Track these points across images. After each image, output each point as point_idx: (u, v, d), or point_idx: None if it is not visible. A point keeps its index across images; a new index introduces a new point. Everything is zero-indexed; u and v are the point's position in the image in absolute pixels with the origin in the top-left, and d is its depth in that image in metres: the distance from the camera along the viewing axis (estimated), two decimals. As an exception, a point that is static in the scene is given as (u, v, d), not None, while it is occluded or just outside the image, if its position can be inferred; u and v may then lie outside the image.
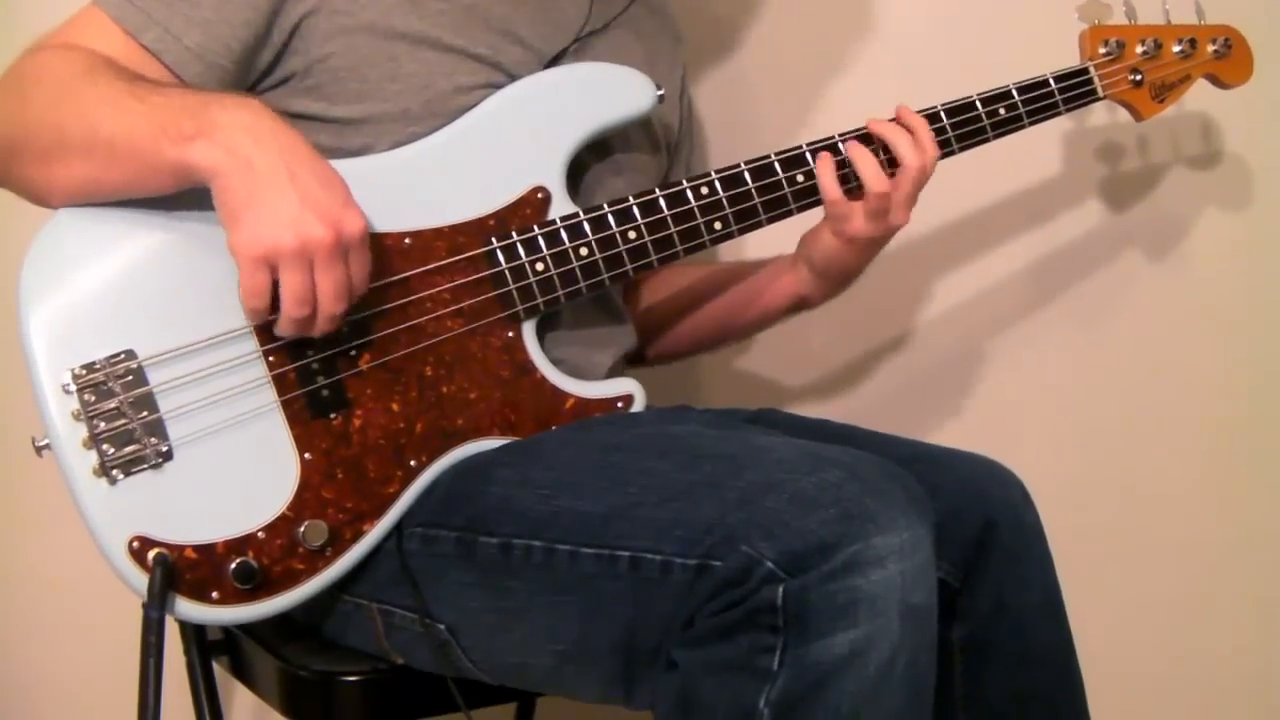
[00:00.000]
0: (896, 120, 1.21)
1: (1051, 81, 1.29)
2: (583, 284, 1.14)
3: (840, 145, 1.20)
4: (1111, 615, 1.61)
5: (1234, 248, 1.66)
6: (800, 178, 1.20)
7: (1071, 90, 1.30)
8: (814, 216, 1.24)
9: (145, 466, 1.00)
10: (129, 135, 0.99)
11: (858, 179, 1.19)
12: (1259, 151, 1.65)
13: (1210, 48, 1.38)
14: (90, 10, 1.08)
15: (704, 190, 1.17)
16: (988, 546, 1.11)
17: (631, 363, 1.33)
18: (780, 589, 0.90)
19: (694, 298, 1.36)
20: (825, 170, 1.19)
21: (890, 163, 1.20)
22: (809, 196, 1.21)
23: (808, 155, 1.20)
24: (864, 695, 0.90)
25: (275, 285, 0.99)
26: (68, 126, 1.01)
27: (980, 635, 1.12)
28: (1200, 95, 1.42)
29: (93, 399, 1.00)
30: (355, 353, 1.07)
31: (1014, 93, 1.27)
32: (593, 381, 1.16)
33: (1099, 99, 1.33)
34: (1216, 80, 1.41)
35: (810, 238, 1.26)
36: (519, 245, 1.12)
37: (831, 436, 1.13)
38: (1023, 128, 1.28)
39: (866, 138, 1.21)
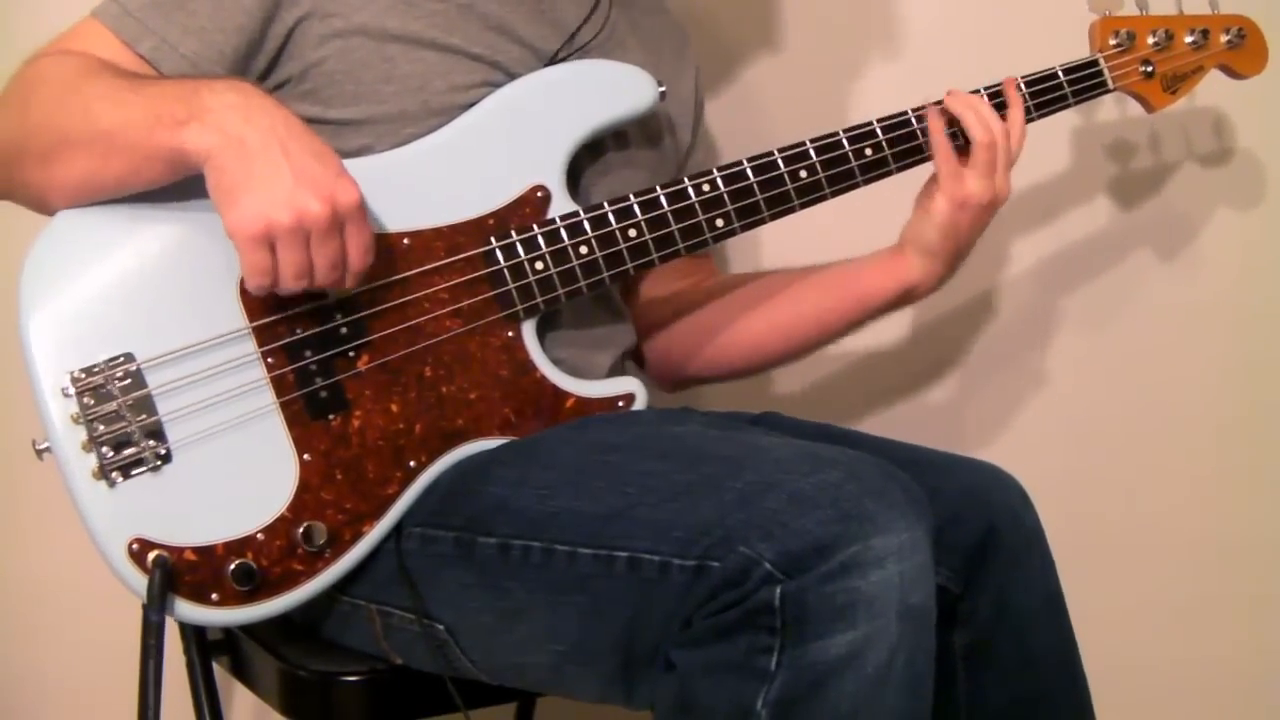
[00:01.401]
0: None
1: (1060, 74, 1.28)
2: (583, 283, 1.13)
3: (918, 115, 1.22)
4: (1113, 617, 1.60)
5: (1245, 247, 1.64)
6: (803, 173, 1.19)
7: (1081, 82, 1.29)
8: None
9: (144, 469, 1.01)
10: (126, 126, 1.00)
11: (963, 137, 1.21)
12: (1273, 147, 1.63)
13: (1223, 38, 1.36)
14: (88, 21, 1.09)
15: (705, 187, 1.16)
16: (988, 551, 1.11)
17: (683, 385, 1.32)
18: (778, 590, 0.90)
19: (776, 299, 1.29)
20: (938, 128, 1.20)
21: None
22: (813, 192, 1.20)
23: (810, 150, 1.19)
24: (862, 696, 0.90)
25: None
26: (68, 124, 1.02)
27: (982, 639, 1.12)
28: (1213, 90, 1.40)
29: (92, 402, 1.00)
30: (354, 354, 1.07)
31: (1022, 86, 1.26)
32: (593, 380, 1.16)
33: (1109, 91, 1.32)
34: (1230, 71, 1.39)
35: (920, 220, 1.23)
36: (518, 244, 1.12)
37: (833, 440, 1.11)
38: (1031, 121, 1.26)
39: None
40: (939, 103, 1.23)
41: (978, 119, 1.20)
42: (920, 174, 1.25)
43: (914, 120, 1.23)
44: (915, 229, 1.24)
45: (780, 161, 1.18)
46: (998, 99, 1.24)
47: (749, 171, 1.18)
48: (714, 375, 1.34)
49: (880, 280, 1.25)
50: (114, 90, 1.02)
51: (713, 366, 1.32)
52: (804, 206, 1.20)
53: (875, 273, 1.25)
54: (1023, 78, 1.26)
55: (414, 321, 1.08)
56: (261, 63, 1.11)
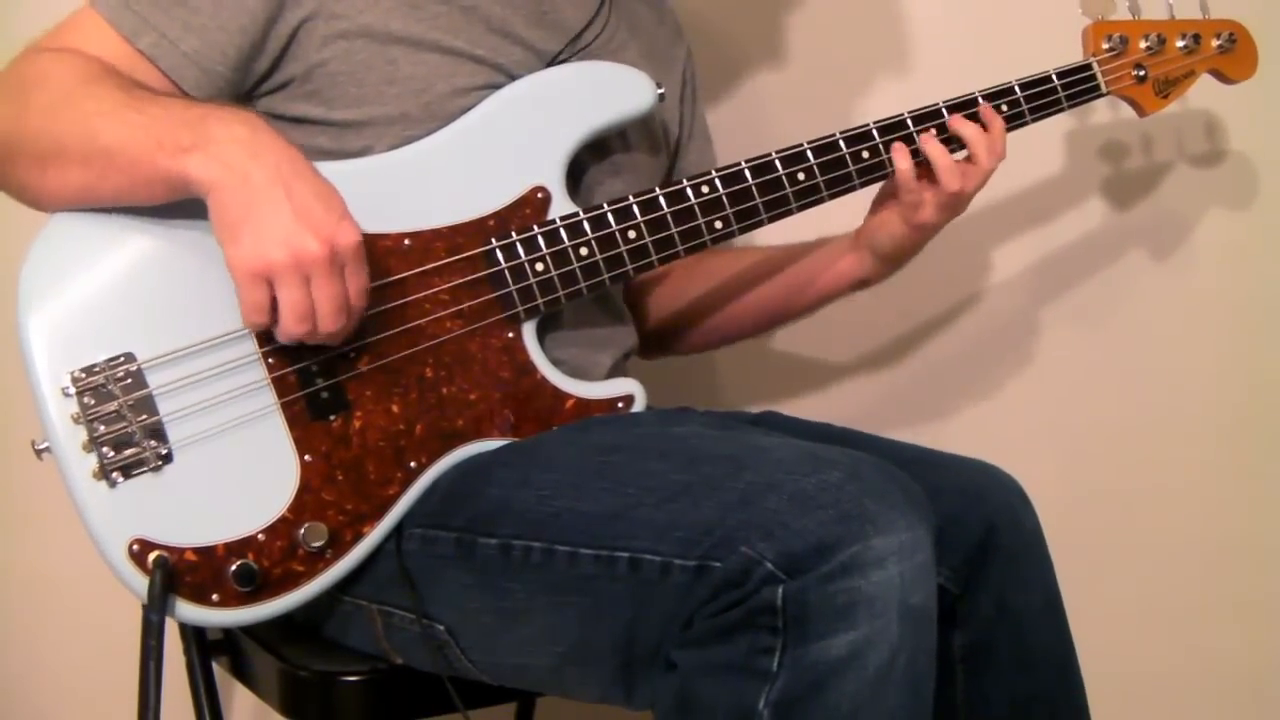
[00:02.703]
0: (977, 118, 1.23)
1: (1054, 78, 1.29)
2: (583, 284, 1.13)
3: (915, 135, 1.22)
4: (1111, 617, 1.61)
5: (1238, 247, 1.65)
6: (801, 175, 1.19)
7: (1074, 86, 1.30)
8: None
9: (145, 469, 1.00)
10: (126, 146, 0.99)
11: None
12: (1264, 149, 1.64)
13: (1215, 43, 1.37)
14: (86, 12, 1.08)
15: (704, 189, 1.17)
16: (988, 550, 1.11)
17: (657, 353, 1.34)
18: (779, 590, 0.90)
19: (745, 283, 1.36)
20: (903, 158, 1.20)
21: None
22: (810, 195, 1.20)
23: (808, 152, 1.20)
24: (863, 696, 0.90)
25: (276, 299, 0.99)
26: (66, 135, 1.01)
27: (981, 639, 1.12)
28: (1205, 92, 1.41)
29: (92, 402, 1.00)
30: (355, 354, 1.06)
31: (1016, 89, 1.27)
32: (593, 382, 1.16)
33: (1102, 95, 1.32)
34: (1221, 75, 1.40)
35: (876, 227, 1.26)
36: (518, 245, 1.12)
37: (832, 440, 1.12)
38: (1025, 124, 1.28)
39: (939, 126, 1.22)
40: (922, 117, 1.23)
41: (948, 168, 1.20)
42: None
43: (910, 123, 1.23)
44: (870, 236, 1.27)
45: (778, 163, 1.19)
46: (939, 120, 1.23)
47: (747, 173, 1.18)
48: (682, 353, 1.43)
49: (837, 279, 1.31)
50: (115, 106, 1.01)
51: (685, 346, 1.42)
52: (801, 209, 1.20)
53: (833, 271, 1.31)
54: (1017, 81, 1.27)
55: (415, 322, 1.08)
56: (264, 63, 1.11)
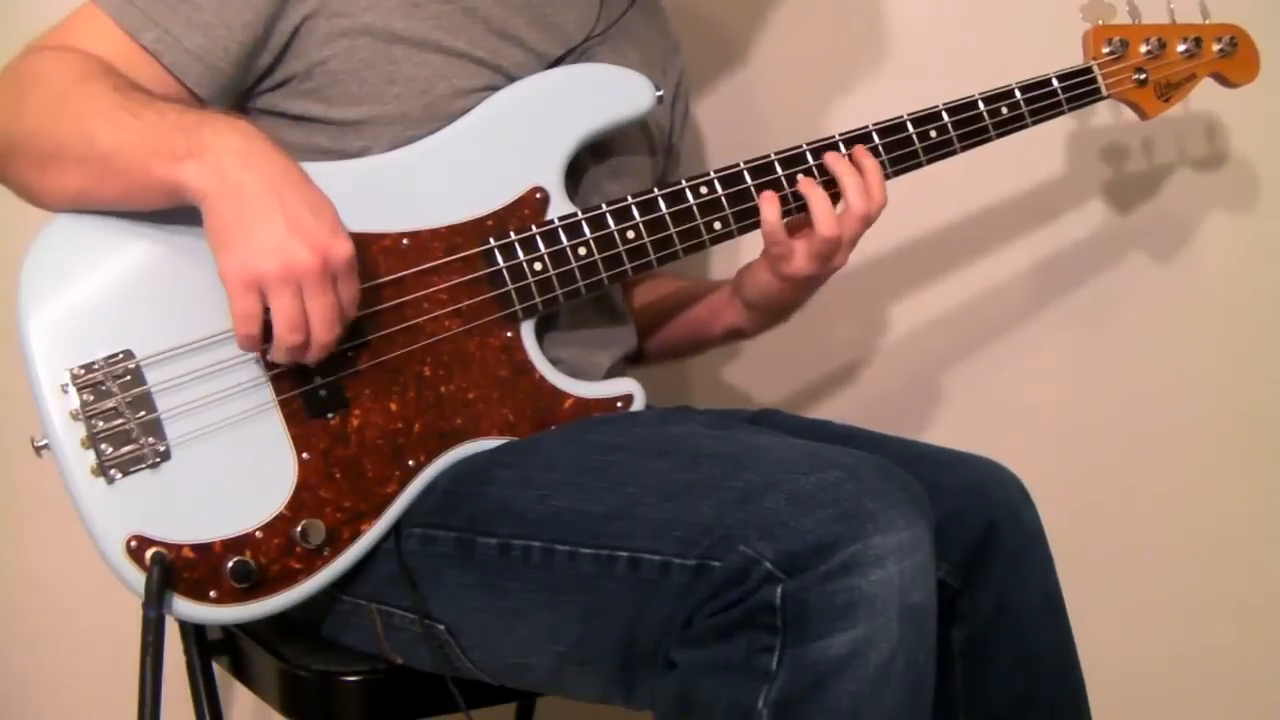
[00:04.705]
0: (851, 158, 1.18)
1: (1054, 81, 1.29)
2: (581, 284, 1.13)
3: (796, 176, 1.18)
4: (1112, 616, 1.61)
5: (1239, 249, 1.66)
6: (800, 177, 1.19)
7: (1075, 90, 1.30)
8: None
9: (143, 466, 1.00)
10: (122, 150, 0.99)
11: (805, 212, 1.17)
12: (1265, 152, 1.65)
13: (1215, 46, 1.37)
14: (89, 8, 1.08)
15: (703, 190, 1.17)
16: (988, 547, 1.11)
17: (632, 361, 1.33)
18: (779, 589, 0.90)
19: (660, 317, 1.37)
20: (770, 207, 1.16)
21: (835, 197, 1.18)
22: (808, 197, 1.20)
23: (808, 154, 1.20)
24: (863, 695, 0.90)
25: (269, 313, 0.98)
26: (63, 137, 1.01)
27: (981, 636, 1.12)
28: (1206, 95, 1.41)
29: (91, 399, 1.00)
30: (353, 352, 1.07)
31: (1016, 92, 1.27)
32: (592, 382, 1.16)
33: (1102, 98, 1.33)
34: (1222, 79, 1.40)
35: (746, 274, 1.24)
36: (517, 245, 1.12)
37: (833, 437, 1.12)
38: (1025, 127, 1.28)
39: (820, 170, 1.18)
40: (791, 158, 1.18)
41: (825, 213, 1.15)
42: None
43: (910, 126, 1.23)
44: (741, 281, 1.26)
45: (777, 165, 1.19)
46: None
47: (746, 175, 1.18)
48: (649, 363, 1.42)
49: (716, 328, 1.31)
50: (112, 109, 1.00)
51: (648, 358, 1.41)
52: (800, 211, 1.20)
53: (715, 324, 1.31)
54: (1017, 84, 1.27)
55: (413, 321, 1.09)
56: (266, 59, 1.11)
